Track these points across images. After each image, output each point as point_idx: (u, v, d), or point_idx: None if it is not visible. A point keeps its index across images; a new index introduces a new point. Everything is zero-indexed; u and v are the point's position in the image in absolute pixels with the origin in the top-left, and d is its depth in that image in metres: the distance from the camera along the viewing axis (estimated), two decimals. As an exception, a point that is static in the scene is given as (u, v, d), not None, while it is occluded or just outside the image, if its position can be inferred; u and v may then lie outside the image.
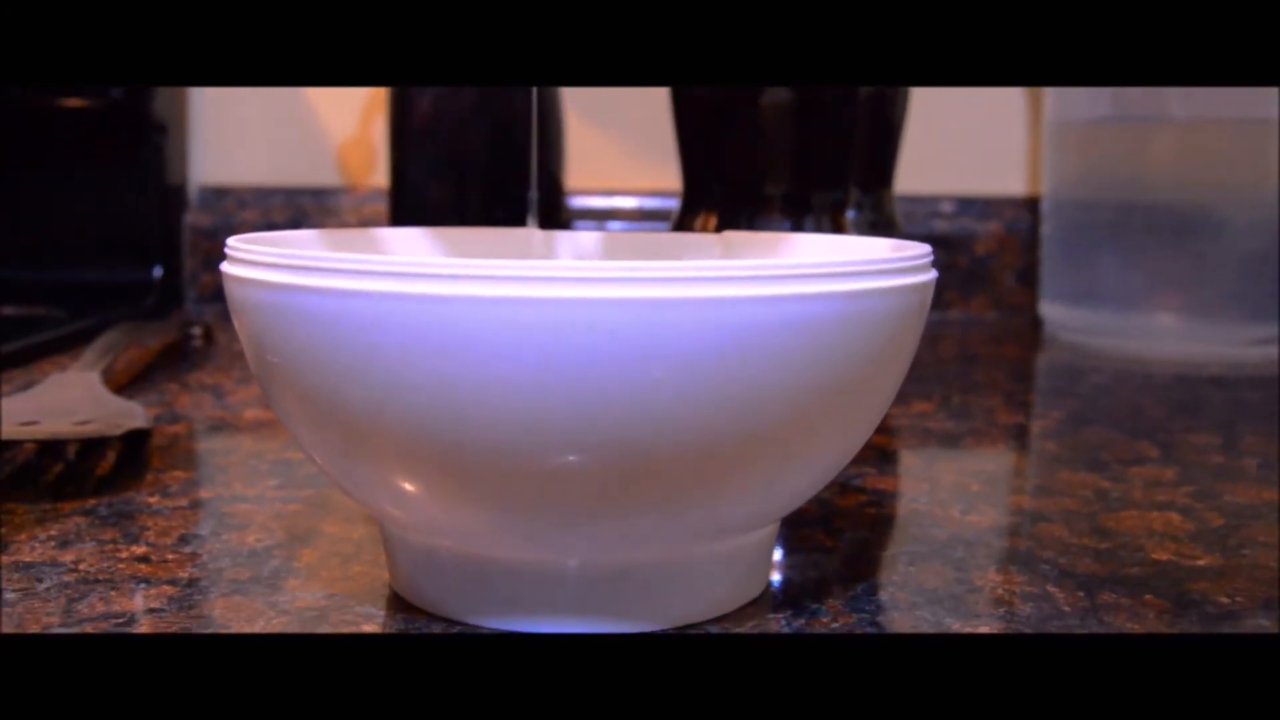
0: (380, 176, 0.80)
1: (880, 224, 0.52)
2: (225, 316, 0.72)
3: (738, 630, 0.25)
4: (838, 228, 0.51)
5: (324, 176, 0.80)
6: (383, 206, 0.79)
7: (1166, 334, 0.63)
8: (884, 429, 0.44)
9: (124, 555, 0.29)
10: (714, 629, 0.25)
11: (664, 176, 0.78)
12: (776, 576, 0.28)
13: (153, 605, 0.26)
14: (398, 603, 0.26)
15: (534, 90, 0.63)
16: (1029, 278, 0.78)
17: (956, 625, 0.25)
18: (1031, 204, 0.80)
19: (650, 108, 0.78)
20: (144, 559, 0.28)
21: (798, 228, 0.50)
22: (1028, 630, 0.25)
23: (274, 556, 0.29)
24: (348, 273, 0.21)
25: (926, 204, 0.80)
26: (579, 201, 0.78)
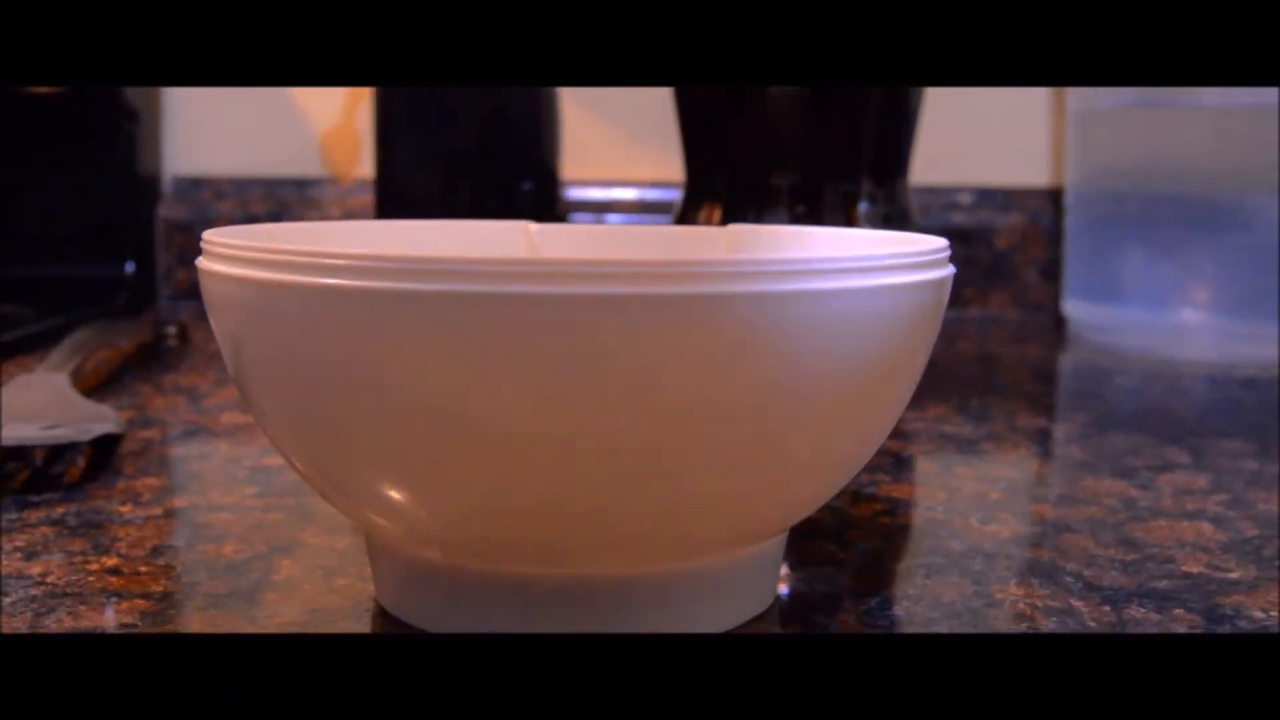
0: (366, 167, 0.80)
1: (894, 216, 0.52)
2: (201, 315, 0.72)
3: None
4: (849, 221, 0.51)
5: (306, 166, 0.80)
6: (368, 198, 0.79)
7: (1197, 333, 0.63)
8: (898, 433, 0.44)
9: (94, 567, 0.29)
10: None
11: (666, 166, 0.78)
12: (784, 589, 0.28)
13: (124, 620, 0.26)
14: (384, 618, 0.26)
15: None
16: (1052, 273, 0.78)
17: (975, 641, 0.25)
18: (1055, 195, 0.80)
19: (651, 93, 0.78)
20: (115, 571, 0.29)
21: (807, 221, 0.50)
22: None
23: (253, 569, 0.29)
24: (331, 268, 0.21)
25: (943, 195, 0.80)
26: (575, 193, 0.78)
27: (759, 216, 0.51)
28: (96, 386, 0.50)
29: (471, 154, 0.65)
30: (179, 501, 0.34)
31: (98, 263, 0.74)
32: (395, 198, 0.65)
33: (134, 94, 0.74)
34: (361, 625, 0.26)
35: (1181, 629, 0.26)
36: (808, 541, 0.31)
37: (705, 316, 0.20)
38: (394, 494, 0.23)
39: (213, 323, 0.24)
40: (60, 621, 0.25)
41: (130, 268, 0.74)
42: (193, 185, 0.80)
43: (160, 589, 0.27)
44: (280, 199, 0.79)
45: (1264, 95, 0.61)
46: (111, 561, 0.29)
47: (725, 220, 0.51)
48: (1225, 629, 0.26)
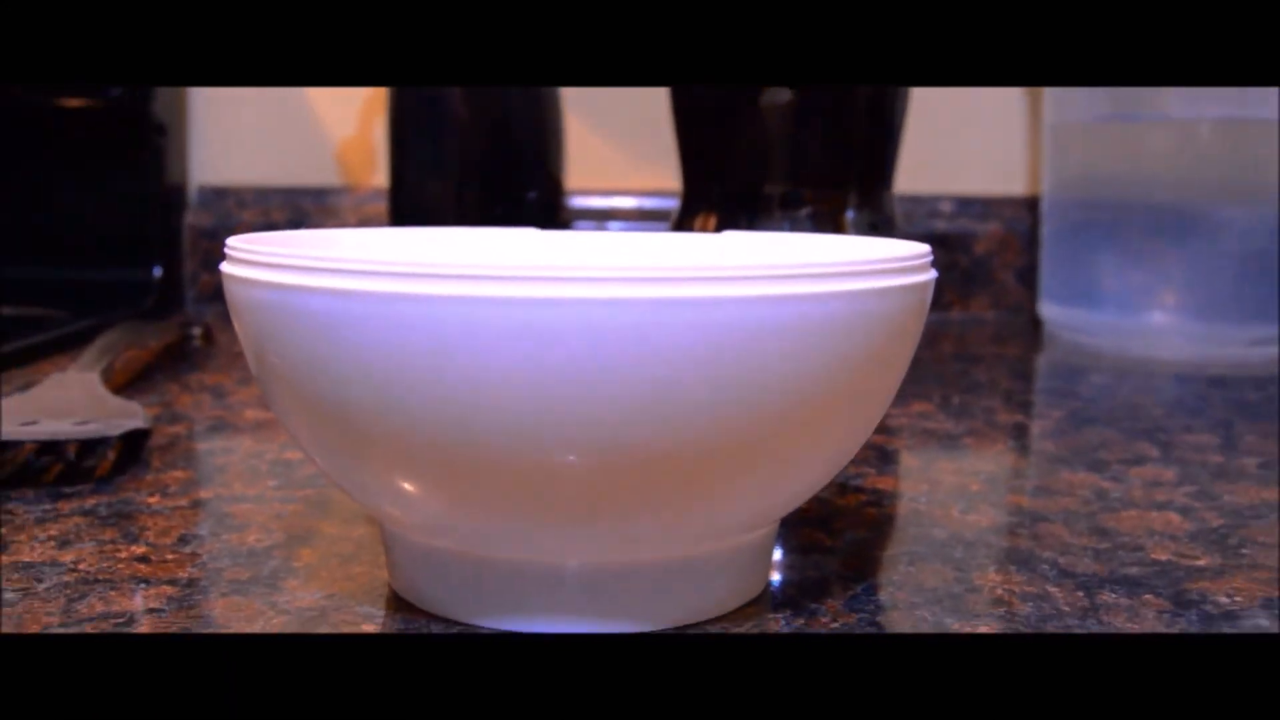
0: (380, 176, 0.80)
1: (880, 224, 0.52)
2: (225, 317, 0.72)
3: (737, 630, 0.25)
4: (837, 228, 0.51)
5: (324, 176, 0.80)
6: (383, 206, 0.79)
7: (1165, 334, 0.63)
8: (884, 429, 0.44)
9: (124, 555, 0.29)
10: (713, 629, 0.25)
11: (664, 177, 0.78)
12: (776, 576, 0.28)
13: (152, 605, 0.26)
14: (397, 603, 0.26)
15: (534, 90, 0.63)
16: (1028, 278, 0.78)
17: (956, 625, 0.25)
18: (1031, 204, 0.80)
19: (650, 108, 0.78)
20: (144, 559, 0.29)
21: (797, 228, 0.50)
22: (1026, 630, 0.25)
23: (273, 557, 0.29)
24: (347, 273, 0.21)
25: (926, 204, 0.80)
26: (578, 201, 0.78)
27: (752, 224, 0.51)
28: (126, 384, 0.50)
29: (480, 164, 0.65)
30: (204, 493, 0.34)
31: (127, 267, 0.74)
32: (408, 206, 0.65)
33: (162, 108, 0.74)
34: (376, 610, 0.26)
35: (1151, 614, 0.26)
36: (798, 531, 0.31)
37: (700, 319, 0.20)
38: (407, 488, 0.23)
39: (236, 324, 0.24)
40: (91, 606, 0.25)
41: (158, 272, 0.74)
42: (217, 194, 0.80)
43: (186, 575, 0.27)
44: (299, 207, 0.79)
45: (1229, 108, 0.62)
46: (140, 550, 0.29)
47: (720, 228, 0.51)
48: (1192, 614, 0.26)
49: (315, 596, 0.26)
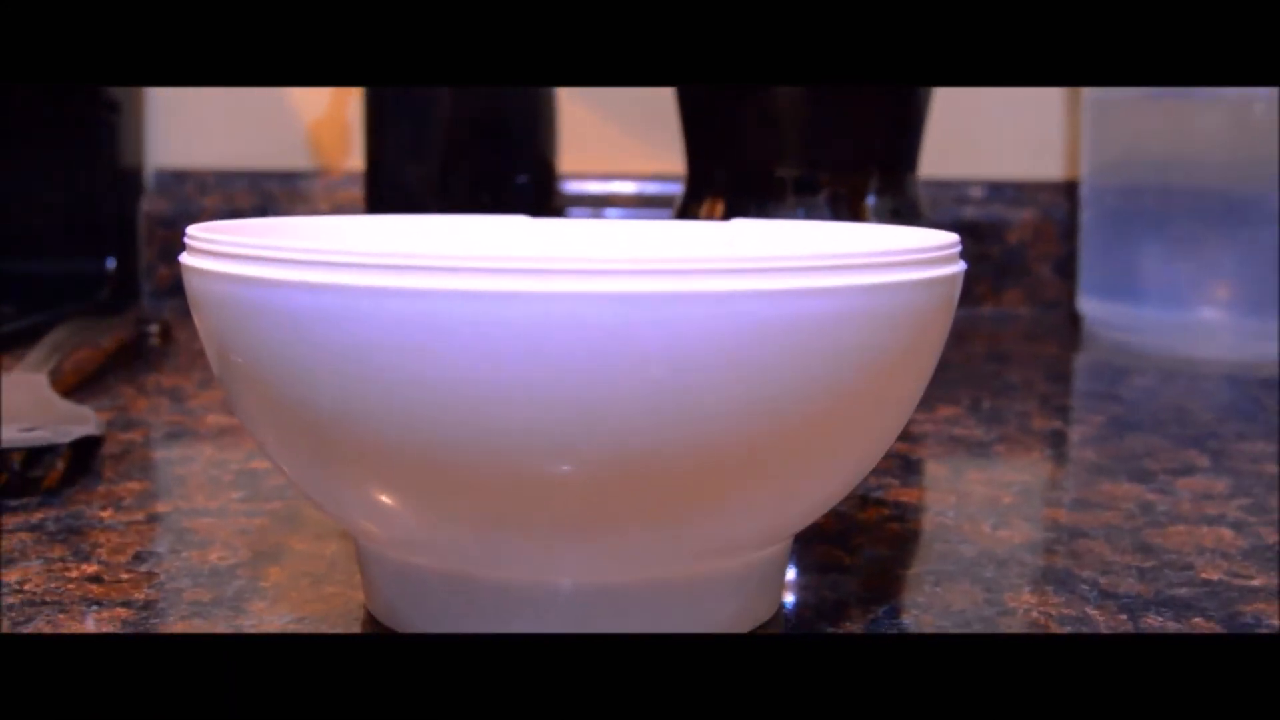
0: (355, 159, 0.80)
1: (903, 211, 0.52)
2: (185, 312, 0.72)
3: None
4: (857, 215, 0.51)
5: (293, 159, 0.80)
6: (358, 192, 0.79)
7: (1217, 331, 0.63)
8: (907, 436, 0.44)
9: (74, 575, 0.29)
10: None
11: (666, 159, 0.78)
12: (789, 598, 0.28)
13: (105, 629, 0.26)
14: (374, 626, 0.26)
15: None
16: (1066, 269, 0.78)
17: (986, 651, 0.25)
18: (1069, 188, 0.80)
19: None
20: (96, 579, 0.29)
21: (813, 215, 0.51)
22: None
23: (238, 576, 0.29)
24: (319, 265, 0.21)
25: (954, 189, 0.80)
26: (572, 186, 0.79)
27: (762, 211, 0.51)
28: (76, 387, 0.50)
29: (466, 146, 0.65)
30: (162, 506, 0.34)
31: (78, 258, 0.74)
32: (386, 191, 0.65)
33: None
34: (351, 634, 0.26)
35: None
36: (813, 547, 0.31)
37: (705, 316, 0.20)
38: (384, 500, 0.23)
39: (197, 321, 0.24)
40: (39, 630, 0.25)
41: (112, 264, 0.74)
42: (176, 178, 0.80)
43: (142, 597, 0.27)
44: (266, 192, 0.79)
45: (1286, 85, 0.61)
46: (92, 568, 0.29)
47: (728, 215, 0.51)
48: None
49: (284, 620, 0.26)
